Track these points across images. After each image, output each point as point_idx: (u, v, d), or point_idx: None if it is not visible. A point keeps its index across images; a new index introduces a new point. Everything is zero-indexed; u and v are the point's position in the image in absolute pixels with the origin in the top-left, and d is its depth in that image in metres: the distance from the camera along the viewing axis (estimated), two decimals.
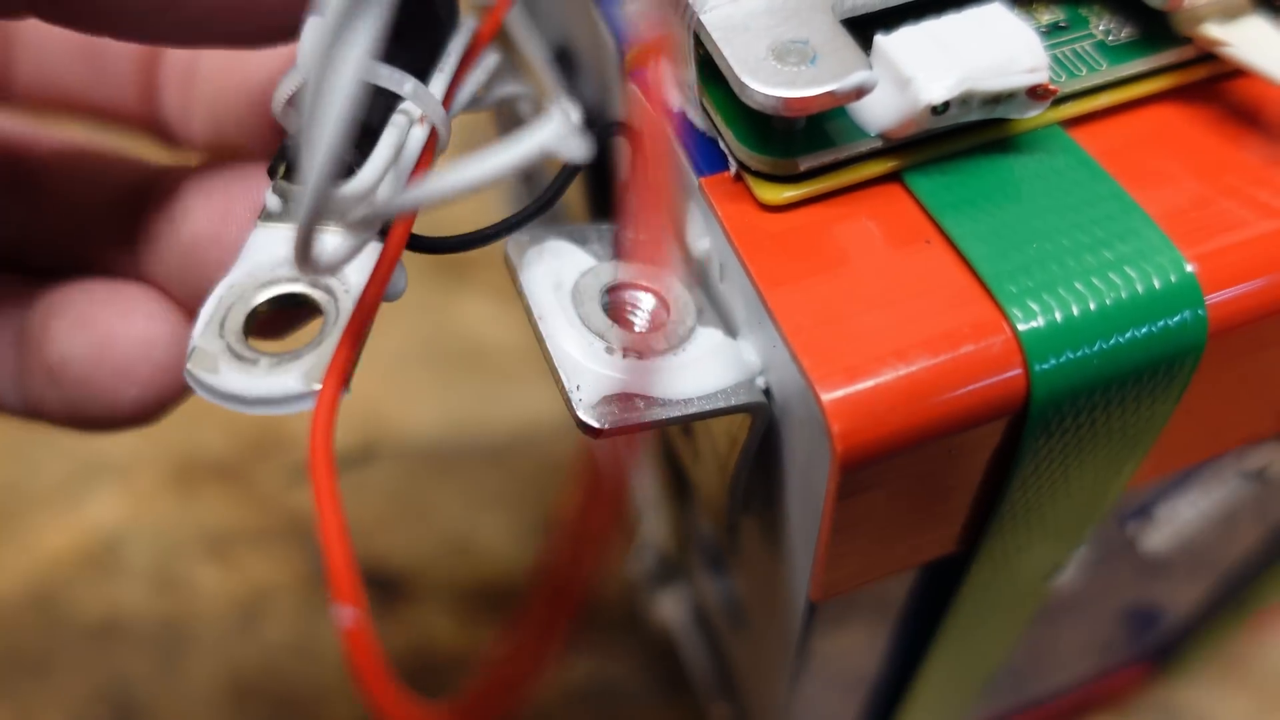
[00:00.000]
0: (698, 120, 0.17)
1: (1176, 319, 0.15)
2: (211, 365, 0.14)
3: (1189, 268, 0.15)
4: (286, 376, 0.14)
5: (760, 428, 0.17)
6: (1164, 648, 0.34)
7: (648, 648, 0.37)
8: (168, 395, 0.19)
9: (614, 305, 0.17)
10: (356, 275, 0.15)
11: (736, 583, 0.26)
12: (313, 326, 0.15)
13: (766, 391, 0.16)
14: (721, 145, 0.16)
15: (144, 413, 0.19)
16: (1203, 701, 0.35)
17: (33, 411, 0.20)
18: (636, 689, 0.36)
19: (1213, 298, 0.15)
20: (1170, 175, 0.16)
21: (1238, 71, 0.17)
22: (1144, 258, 0.15)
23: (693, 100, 0.17)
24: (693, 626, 0.34)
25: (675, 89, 0.17)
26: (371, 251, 0.15)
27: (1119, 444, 0.16)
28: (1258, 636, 0.36)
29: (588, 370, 0.16)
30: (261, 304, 0.15)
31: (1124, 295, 0.15)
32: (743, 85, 0.15)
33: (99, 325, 0.18)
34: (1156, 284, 0.15)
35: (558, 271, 0.17)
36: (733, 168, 0.16)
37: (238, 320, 0.14)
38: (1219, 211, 0.16)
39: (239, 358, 0.14)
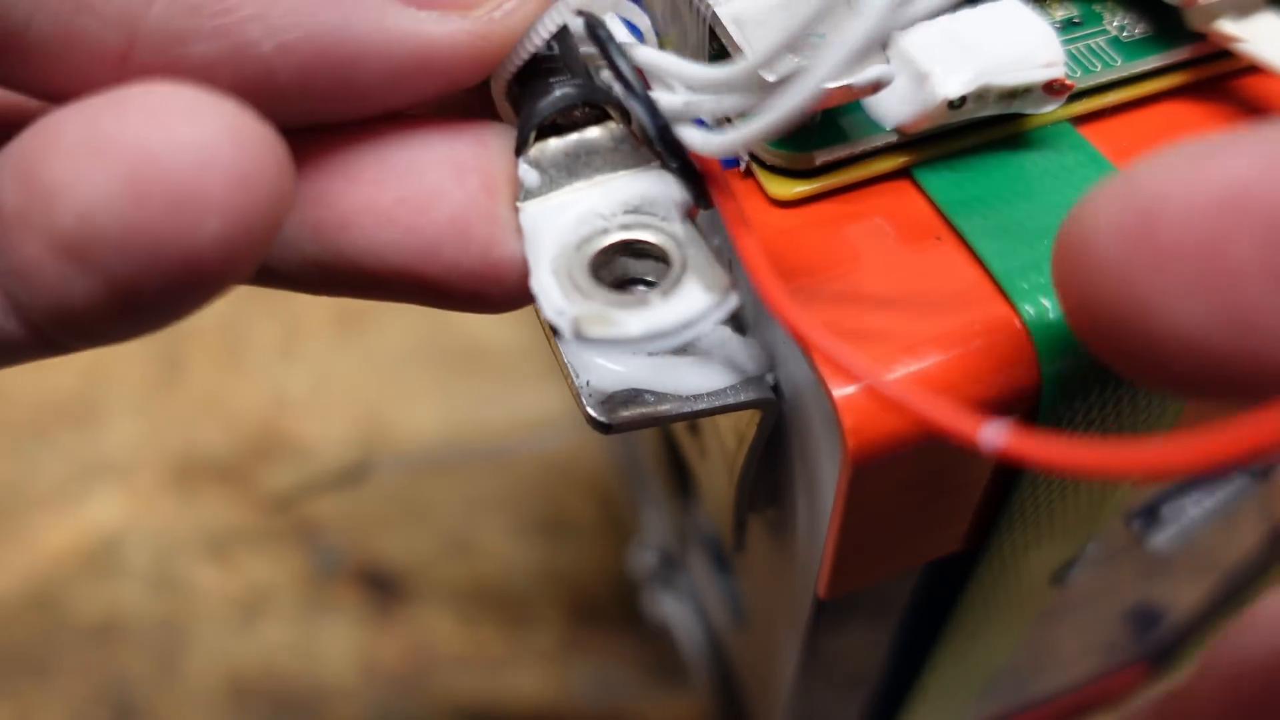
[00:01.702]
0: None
1: None
2: (609, 321, 0.13)
3: None
4: (689, 297, 0.13)
5: (769, 424, 0.17)
6: (1164, 648, 0.34)
7: (648, 647, 0.37)
8: None
9: None
10: (665, 200, 0.15)
11: (741, 581, 0.26)
12: None
13: (775, 388, 0.16)
14: None
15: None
16: None
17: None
18: (636, 688, 0.36)
19: None
20: None
21: (1251, 68, 0.17)
22: None
23: None
24: (693, 625, 0.34)
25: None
26: (661, 176, 0.15)
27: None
28: None
29: (597, 366, 0.16)
30: (596, 257, 0.14)
31: None
32: (760, 79, 0.14)
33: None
34: None
35: None
36: (743, 164, 0.16)
37: (588, 279, 0.14)
38: None
39: (625, 305, 0.13)
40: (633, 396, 0.16)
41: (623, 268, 0.15)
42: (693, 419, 0.16)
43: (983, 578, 0.19)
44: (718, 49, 0.16)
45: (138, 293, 0.12)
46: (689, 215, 0.14)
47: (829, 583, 0.17)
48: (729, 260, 0.17)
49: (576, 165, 0.15)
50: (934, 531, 0.18)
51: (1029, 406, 0.15)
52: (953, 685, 0.25)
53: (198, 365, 0.44)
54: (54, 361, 0.42)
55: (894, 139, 0.16)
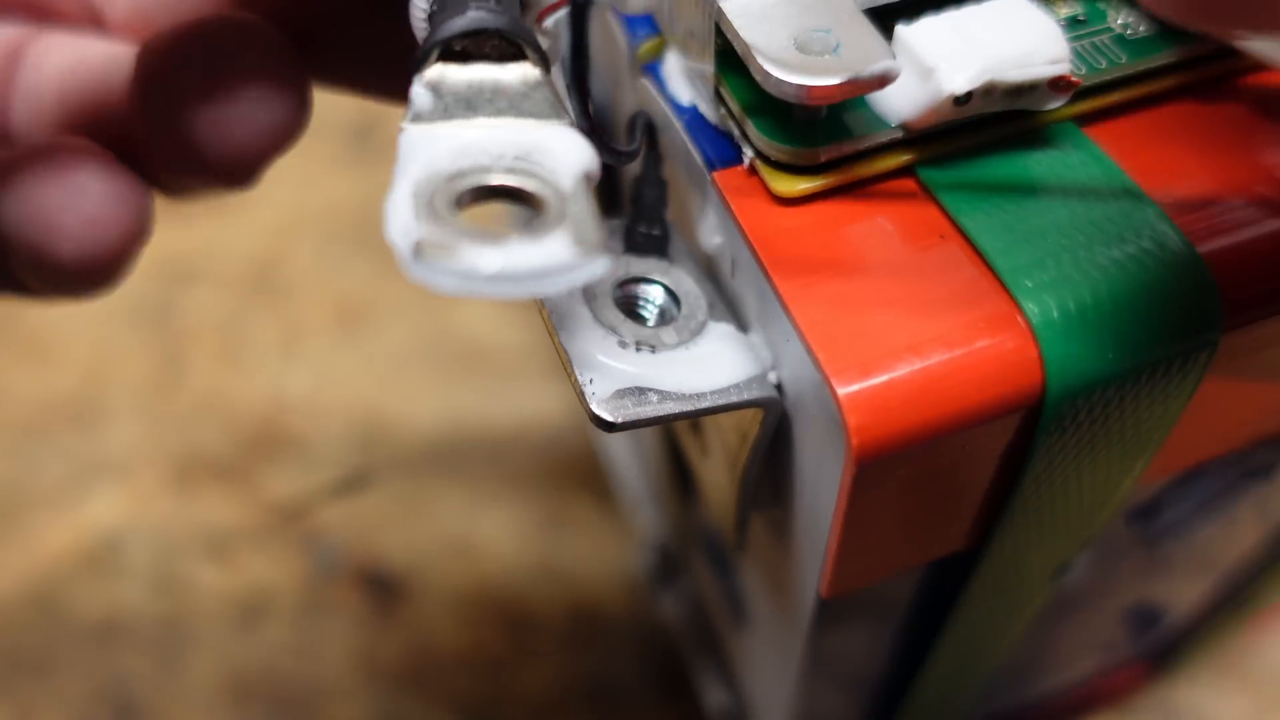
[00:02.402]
0: (710, 114, 0.17)
1: (1190, 315, 0.15)
2: (453, 250, 0.12)
3: (1204, 264, 0.15)
4: (553, 245, 0.12)
5: (772, 423, 0.17)
6: (1164, 648, 0.34)
7: (648, 646, 0.37)
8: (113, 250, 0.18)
9: (626, 300, 0.17)
10: (561, 155, 0.13)
11: (742, 580, 0.26)
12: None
13: (779, 386, 0.16)
14: (738, 137, 0.16)
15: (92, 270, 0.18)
16: (1203, 701, 0.35)
17: None
18: (636, 687, 0.36)
19: (1226, 294, 0.15)
20: (1185, 172, 0.16)
21: (1256, 66, 0.17)
22: (1159, 254, 0.15)
23: (705, 93, 0.17)
24: (694, 624, 0.34)
25: (687, 82, 0.17)
26: (567, 133, 0.13)
27: (1131, 440, 0.16)
28: (1258, 636, 0.36)
29: (601, 364, 0.16)
30: (464, 193, 0.13)
31: (1138, 291, 0.15)
32: (766, 74, 0.14)
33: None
34: (1171, 280, 0.15)
35: None
36: (746, 161, 0.16)
37: (450, 206, 0.12)
38: (1235, 208, 0.16)
39: (480, 239, 0.12)
40: (637, 394, 0.16)
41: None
42: (696, 417, 0.16)
43: (984, 576, 0.19)
44: (723, 44, 0.16)
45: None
46: (585, 179, 0.13)
47: (831, 582, 0.17)
48: (732, 260, 0.17)
49: (479, 101, 0.14)
50: (937, 530, 0.18)
51: (1033, 405, 0.15)
52: (954, 683, 0.25)
53: (198, 365, 0.44)
54: (54, 361, 0.42)
55: (899, 135, 0.16)
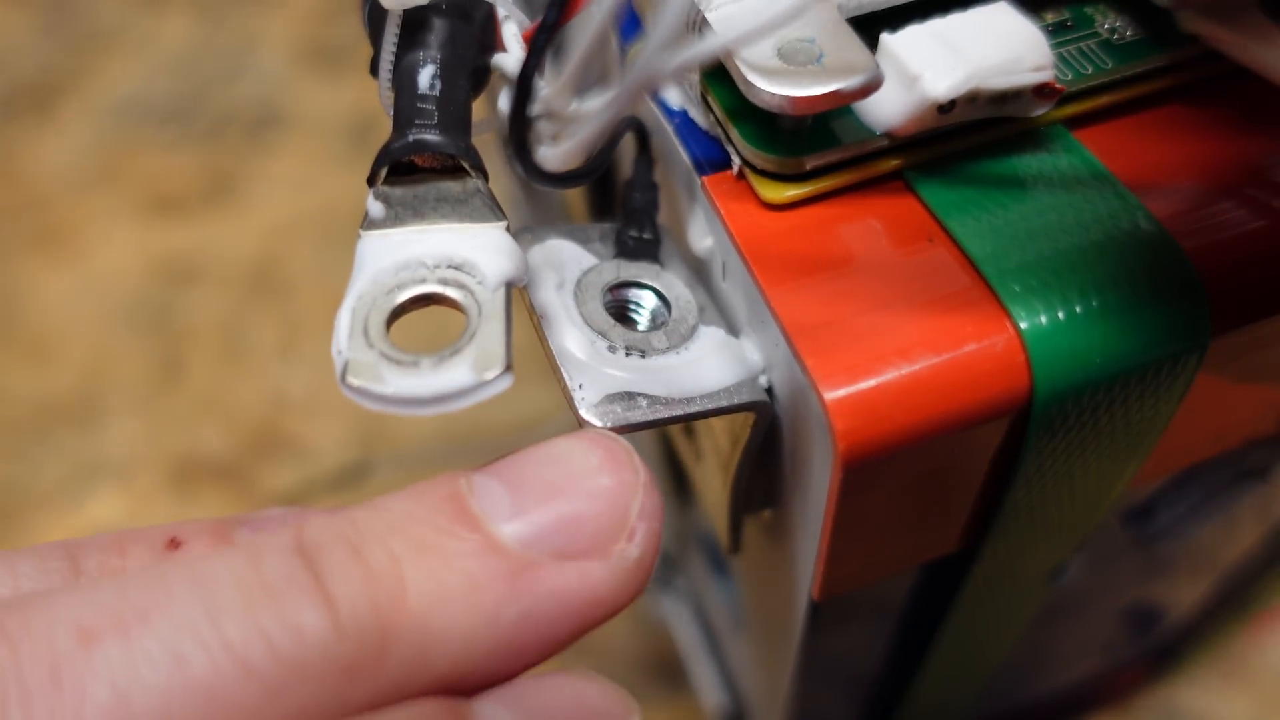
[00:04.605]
0: (700, 119, 0.17)
1: (1180, 317, 0.15)
2: (374, 374, 0.13)
3: (1192, 269, 0.15)
4: (455, 371, 0.13)
5: (763, 426, 0.17)
6: (1164, 648, 0.34)
7: (648, 647, 0.37)
8: None
9: (616, 304, 0.17)
10: (488, 266, 0.15)
11: (738, 582, 0.26)
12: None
13: (769, 390, 0.16)
14: (725, 144, 0.16)
15: None
16: (1203, 702, 0.35)
17: None
18: (636, 687, 0.36)
19: (1215, 298, 0.15)
20: (1174, 175, 0.16)
21: (1241, 70, 0.17)
22: (1147, 256, 0.15)
23: (695, 99, 0.17)
24: (693, 626, 0.34)
25: (677, 87, 0.17)
26: (499, 239, 0.15)
27: (1122, 442, 0.16)
28: (1258, 637, 0.36)
29: (590, 369, 0.16)
30: (399, 306, 0.14)
31: (1127, 293, 0.15)
32: (749, 85, 0.14)
33: None
34: (1160, 282, 0.15)
35: (560, 270, 0.17)
36: (735, 166, 0.16)
37: (380, 327, 0.14)
38: (1222, 210, 0.16)
39: (398, 362, 0.13)
40: (626, 399, 0.16)
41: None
42: (686, 422, 0.16)
43: (978, 578, 0.19)
44: None
45: None
46: (507, 287, 0.14)
47: (822, 584, 0.17)
48: (722, 263, 0.17)
49: (424, 207, 0.15)
50: (928, 533, 0.18)
51: (1021, 408, 0.15)
52: (950, 684, 0.25)
53: (198, 365, 0.44)
54: (54, 361, 0.42)
55: (884, 143, 0.16)
